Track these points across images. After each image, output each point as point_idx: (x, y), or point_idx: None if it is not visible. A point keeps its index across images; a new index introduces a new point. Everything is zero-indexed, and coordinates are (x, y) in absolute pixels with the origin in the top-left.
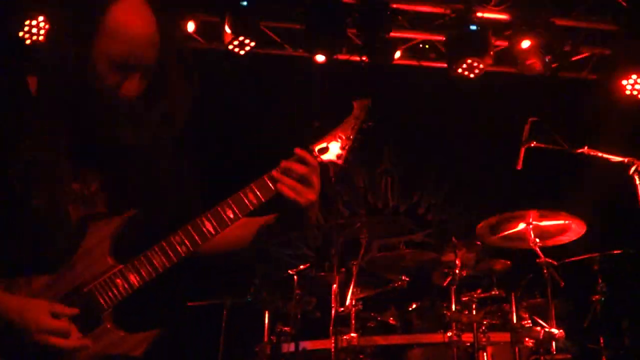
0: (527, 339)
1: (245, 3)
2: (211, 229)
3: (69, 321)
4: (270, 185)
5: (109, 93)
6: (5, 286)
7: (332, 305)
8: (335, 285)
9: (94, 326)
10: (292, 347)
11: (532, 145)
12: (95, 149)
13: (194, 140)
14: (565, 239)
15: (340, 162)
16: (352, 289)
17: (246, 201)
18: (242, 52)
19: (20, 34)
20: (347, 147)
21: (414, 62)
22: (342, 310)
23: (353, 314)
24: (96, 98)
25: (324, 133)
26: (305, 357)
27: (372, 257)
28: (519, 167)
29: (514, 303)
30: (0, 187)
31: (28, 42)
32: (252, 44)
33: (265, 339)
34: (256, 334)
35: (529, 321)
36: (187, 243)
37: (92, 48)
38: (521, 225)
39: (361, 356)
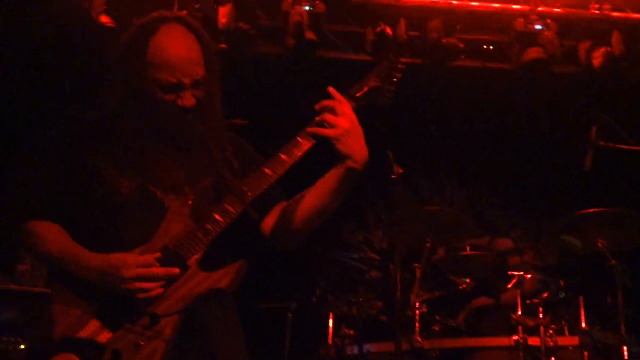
0: (597, 344)
1: (308, 8)
2: (271, 173)
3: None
4: (309, 130)
5: (169, 107)
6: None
7: (396, 307)
8: (399, 288)
9: (181, 273)
10: (355, 349)
11: (601, 145)
12: (175, 145)
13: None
14: (636, 242)
15: (379, 102)
16: (417, 291)
17: (297, 145)
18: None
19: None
20: (383, 88)
21: (477, 64)
22: (407, 312)
23: (417, 317)
24: (160, 109)
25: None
26: (369, 359)
27: (436, 260)
28: (587, 168)
29: (582, 307)
30: (94, 179)
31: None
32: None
33: (330, 341)
34: (320, 337)
35: (599, 325)
36: (252, 189)
37: (145, 68)
38: (590, 229)
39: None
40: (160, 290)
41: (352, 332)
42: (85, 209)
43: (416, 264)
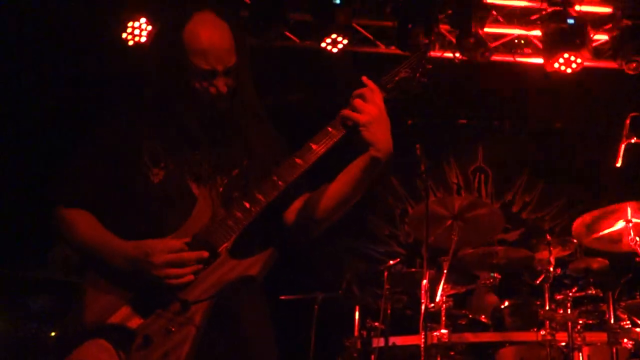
0: (625, 340)
1: (338, 1)
2: (301, 162)
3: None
4: (341, 114)
5: (202, 94)
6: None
7: (422, 301)
8: (425, 281)
9: (212, 260)
10: (381, 342)
11: (633, 141)
12: (206, 133)
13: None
14: None
15: (410, 90)
16: (443, 285)
17: (327, 135)
18: (335, 50)
19: (124, 35)
20: (414, 79)
21: (509, 58)
22: (432, 307)
23: (443, 311)
24: (194, 96)
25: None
26: (394, 352)
27: (463, 254)
28: (618, 164)
29: (611, 303)
30: (130, 169)
31: (131, 43)
32: (345, 41)
33: (356, 333)
34: (346, 329)
35: (628, 322)
36: (284, 177)
37: (182, 51)
38: (620, 224)
39: (451, 353)
40: (191, 277)
41: (377, 324)
42: (119, 199)
43: (443, 258)
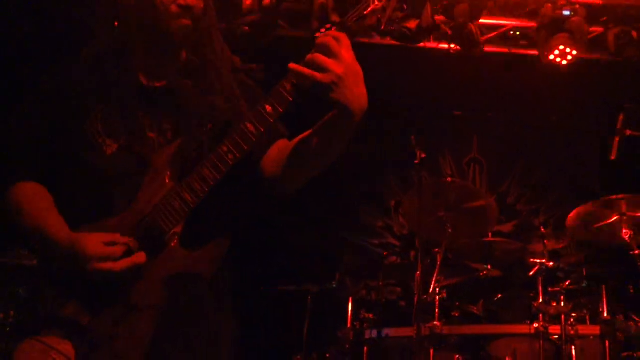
0: (618, 334)
1: None
2: (252, 129)
3: (131, 247)
4: (299, 70)
5: (168, 11)
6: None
7: (415, 292)
8: (418, 273)
9: (159, 251)
10: (374, 333)
11: (627, 134)
12: (166, 94)
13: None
14: None
15: (381, 26)
16: (436, 276)
17: (283, 92)
18: None
19: None
20: (388, 9)
21: (504, 50)
22: (426, 298)
23: (437, 302)
24: (158, 23)
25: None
26: (387, 343)
27: (457, 246)
28: (613, 157)
29: (604, 296)
30: (77, 138)
31: None
32: None
33: (349, 325)
34: (339, 320)
35: (621, 315)
36: (234, 150)
37: None
38: (614, 217)
39: (444, 345)
40: (129, 273)
41: (371, 315)
42: (71, 171)
43: (436, 250)
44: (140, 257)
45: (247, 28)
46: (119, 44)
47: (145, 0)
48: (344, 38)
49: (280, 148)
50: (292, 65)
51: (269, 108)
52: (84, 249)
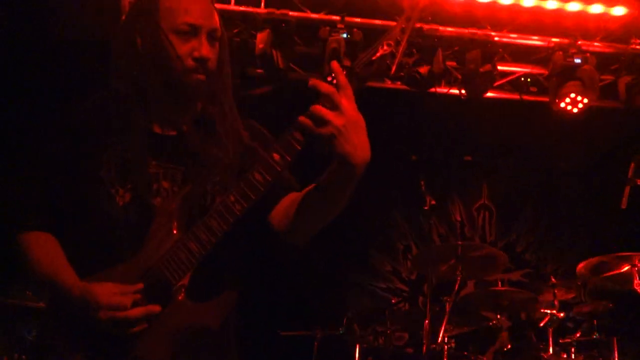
0: None
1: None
2: (260, 179)
3: (139, 298)
4: (298, 124)
5: (183, 64)
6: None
7: (424, 341)
8: (427, 321)
9: (166, 304)
10: None
11: (638, 183)
12: (178, 143)
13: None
14: None
15: (390, 72)
16: (445, 325)
17: (292, 141)
18: None
19: None
20: (397, 55)
21: (515, 96)
22: (434, 347)
23: (445, 352)
24: (174, 76)
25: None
26: None
27: (466, 294)
28: (624, 206)
29: (616, 348)
30: (91, 186)
31: None
32: None
33: None
34: None
35: None
36: (241, 200)
37: (158, 29)
38: (625, 268)
39: None
40: (141, 326)
41: None
42: (82, 220)
43: (446, 297)
44: (154, 307)
45: (260, 70)
46: (134, 92)
47: (163, 52)
48: (346, 87)
49: (290, 201)
50: (300, 119)
51: (276, 157)
52: (95, 297)
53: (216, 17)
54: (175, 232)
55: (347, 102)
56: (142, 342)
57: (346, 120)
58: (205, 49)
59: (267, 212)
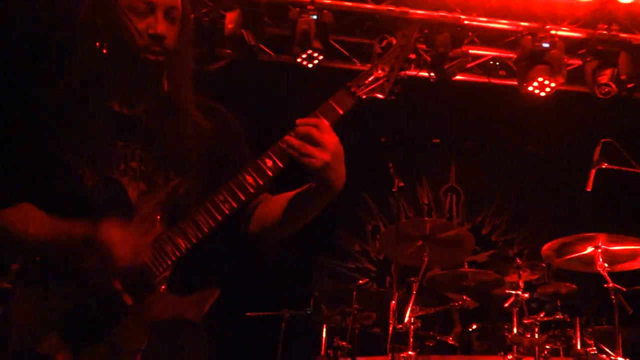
0: None
1: (315, 17)
2: (252, 182)
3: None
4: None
5: (139, 38)
6: None
7: (390, 321)
8: (394, 302)
9: (147, 295)
10: None
11: (603, 166)
12: (143, 123)
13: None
14: (636, 265)
15: (383, 96)
16: (412, 306)
17: (286, 148)
18: (310, 65)
19: None
20: (391, 79)
21: (483, 79)
22: (401, 328)
23: (411, 332)
24: (131, 54)
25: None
26: None
27: (433, 275)
28: (589, 188)
29: (578, 328)
30: (57, 169)
31: None
32: (321, 57)
33: (323, 352)
34: (313, 348)
35: (594, 348)
36: (230, 200)
37: (115, 8)
38: (589, 249)
39: None
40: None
41: (345, 343)
42: (51, 205)
43: (412, 278)
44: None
45: (229, 51)
46: (97, 74)
47: (120, 29)
48: (322, 123)
49: (261, 206)
50: (289, 151)
51: (269, 162)
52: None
53: (178, 2)
54: (158, 225)
55: (329, 136)
56: (119, 329)
57: (332, 154)
58: (161, 27)
59: (250, 215)
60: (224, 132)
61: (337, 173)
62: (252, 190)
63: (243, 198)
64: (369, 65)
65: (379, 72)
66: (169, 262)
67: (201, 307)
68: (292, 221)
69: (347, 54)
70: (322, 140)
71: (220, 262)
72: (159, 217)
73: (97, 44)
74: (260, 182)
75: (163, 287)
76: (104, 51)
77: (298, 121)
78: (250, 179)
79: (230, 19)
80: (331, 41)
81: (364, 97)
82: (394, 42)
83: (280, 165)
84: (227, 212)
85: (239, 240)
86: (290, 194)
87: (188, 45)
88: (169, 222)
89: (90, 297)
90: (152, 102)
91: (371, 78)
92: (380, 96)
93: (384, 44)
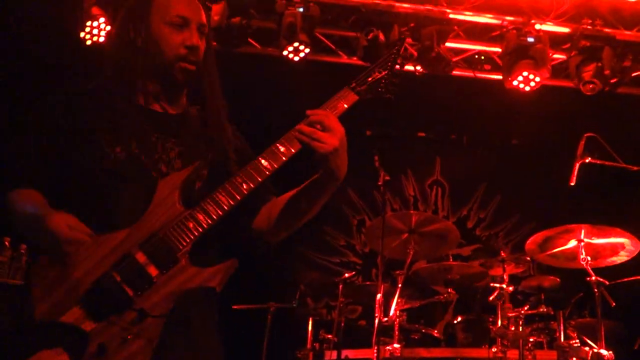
0: (574, 359)
1: (301, 9)
2: (267, 165)
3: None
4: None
5: (176, 53)
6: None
7: (376, 315)
8: (379, 295)
9: (171, 266)
10: (334, 355)
11: (587, 161)
12: (177, 122)
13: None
14: (618, 259)
15: (383, 94)
16: (397, 299)
17: (297, 136)
18: (296, 58)
19: (82, 34)
20: (387, 80)
21: (469, 73)
22: (386, 321)
23: (397, 325)
24: (166, 64)
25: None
26: None
27: (418, 269)
28: (573, 182)
29: (562, 321)
30: (85, 148)
31: (89, 42)
32: (307, 50)
33: (308, 345)
34: (299, 341)
35: (577, 341)
36: (248, 181)
37: (151, 23)
38: (572, 243)
39: None
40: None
41: (331, 336)
42: (74, 177)
43: (398, 271)
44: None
45: (215, 44)
46: (128, 79)
47: (157, 41)
48: (331, 114)
49: (269, 205)
50: (300, 137)
51: (282, 148)
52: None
53: (204, 14)
54: (177, 204)
55: (338, 126)
56: (145, 298)
57: (340, 142)
58: (196, 39)
59: (256, 209)
60: (238, 142)
61: (342, 160)
62: (267, 173)
63: (259, 179)
64: (354, 58)
65: (376, 74)
66: (192, 237)
67: (223, 276)
68: (296, 214)
69: (333, 47)
70: (332, 127)
71: (233, 241)
72: (177, 197)
73: (132, 56)
74: (275, 166)
75: (184, 260)
76: (138, 62)
77: (309, 112)
78: (265, 163)
79: (216, 10)
80: (317, 34)
81: (366, 95)
82: (381, 37)
83: (293, 150)
84: (245, 192)
85: (238, 235)
86: (295, 190)
87: (212, 57)
88: (188, 204)
89: (115, 270)
90: (182, 105)
91: (370, 79)
92: (379, 95)
93: (370, 36)
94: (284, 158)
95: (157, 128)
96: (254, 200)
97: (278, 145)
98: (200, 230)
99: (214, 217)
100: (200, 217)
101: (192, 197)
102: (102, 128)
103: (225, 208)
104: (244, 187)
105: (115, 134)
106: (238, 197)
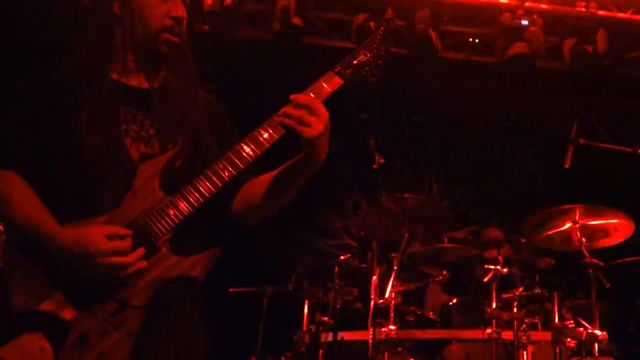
0: (568, 340)
1: None
2: (250, 152)
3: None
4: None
5: (162, 23)
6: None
7: (372, 297)
8: (375, 277)
9: (151, 254)
10: (330, 336)
11: (581, 142)
12: (148, 96)
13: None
14: (612, 240)
15: (367, 77)
16: (392, 281)
17: (277, 126)
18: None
19: None
20: (374, 63)
21: (462, 56)
22: (382, 303)
23: (392, 307)
24: (150, 35)
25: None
26: (343, 347)
27: (413, 251)
28: (567, 165)
29: (556, 302)
30: (61, 128)
31: None
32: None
33: (305, 327)
34: (295, 323)
35: (572, 321)
36: (230, 167)
37: None
38: (567, 225)
39: (399, 349)
40: (141, 265)
41: (327, 318)
42: (53, 160)
43: (393, 254)
44: (142, 250)
45: (207, 27)
46: (108, 51)
47: (142, 12)
48: (315, 99)
49: (247, 186)
50: (285, 121)
51: (265, 134)
52: (92, 242)
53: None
54: (158, 191)
55: (323, 110)
56: (125, 288)
57: (325, 126)
58: (182, 10)
59: (234, 193)
60: (216, 115)
61: (325, 145)
62: (249, 159)
63: (241, 166)
64: (347, 41)
65: (362, 56)
66: (172, 224)
67: (205, 266)
68: (275, 196)
69: (326, 30)
70: (318, 111)
71: (215, 228)
72: (157, 183)
73: (115, 28)
74: (258, 152)
75: (165, 249)
76: (121, 34)
77: (292, 96)
78: (247, 149)
79: None
80: (311, 17)
81: (350, 78)
82: (373, 25)
83: (276, 136)
84: (226, 179)
85: (221, 218)
86: (274, 172)
87: (189, 33)
88: (168, 190)
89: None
90: (160, 78)
91: (356, 62)
92: (365, 78)
93: (362, 20)
94: (267, 144)
95: (135, 105)
96: (233, 180)
97: (261, 130)
98: (181, 217)
99: (195, 204)
100: (181, 204)
101: (172, 181)
102: (79, 106)
103: (207, 195)
104: (225, 173)
105: (93, 113)
106: (219, 184)
